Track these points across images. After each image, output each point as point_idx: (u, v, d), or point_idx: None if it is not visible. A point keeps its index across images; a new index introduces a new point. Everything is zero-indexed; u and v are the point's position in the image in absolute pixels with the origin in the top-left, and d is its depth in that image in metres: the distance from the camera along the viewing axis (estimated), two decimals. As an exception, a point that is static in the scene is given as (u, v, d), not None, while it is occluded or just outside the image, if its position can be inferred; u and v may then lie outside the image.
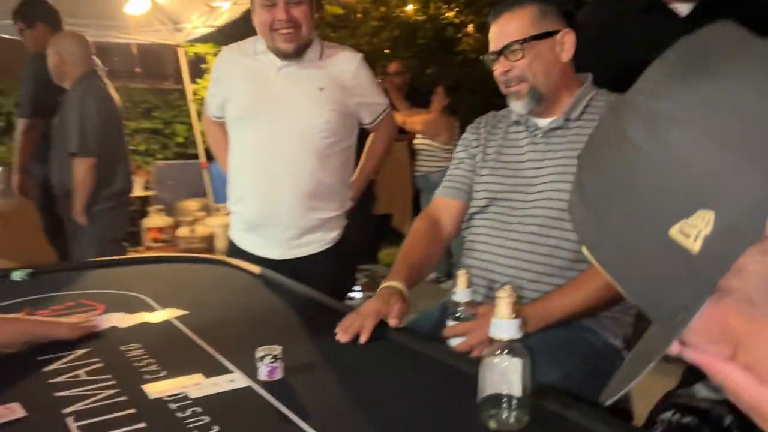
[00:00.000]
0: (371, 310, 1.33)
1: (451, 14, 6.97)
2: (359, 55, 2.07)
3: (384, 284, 1.44)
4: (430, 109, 4.77)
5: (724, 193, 0.47)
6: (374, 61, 6.65)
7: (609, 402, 0.61)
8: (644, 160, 0.50)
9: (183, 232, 5.69)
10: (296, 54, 1.95)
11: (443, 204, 1.68)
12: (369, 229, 4.57)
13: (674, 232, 0.49)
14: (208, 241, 5.63)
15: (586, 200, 0.57)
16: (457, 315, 1.34)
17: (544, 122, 1.55)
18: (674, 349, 0.55)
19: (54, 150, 3.17)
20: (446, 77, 6.23)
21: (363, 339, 1.27)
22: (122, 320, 1.42)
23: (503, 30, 1.49)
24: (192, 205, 6.16)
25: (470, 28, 6.83)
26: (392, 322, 1.33)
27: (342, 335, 1.29)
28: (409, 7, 6.94)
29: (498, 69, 1.51)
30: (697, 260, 0.49)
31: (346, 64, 2.02)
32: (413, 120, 4.73)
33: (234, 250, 2.09)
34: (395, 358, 1.22)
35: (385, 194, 4.57)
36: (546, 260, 1.47)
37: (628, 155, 0.52)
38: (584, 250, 0.60)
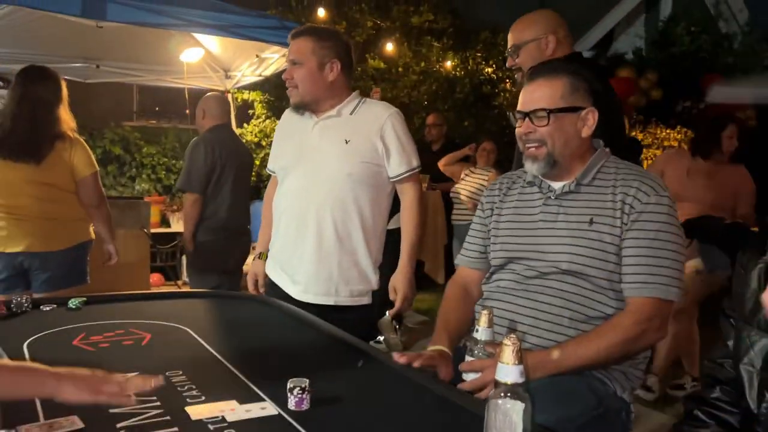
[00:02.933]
0: (428, 355, 1.51)
1: (489, 70, 7.18)
2: (393, 110, 2.16)
3: (430, 348, 1.58)
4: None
5: None
6: (413, 113, 6.89)
7: None
8: None
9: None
10: (303, 107, 2.16)
11: (467, 273, 1.84)
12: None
13: None
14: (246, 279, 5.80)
15: None
16: (475, 352, 1.44)
17: (557, 185, 1.66)
18: None
19: None
20: (482, 130, 6.39)
21: (417, 364, 1.45)
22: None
23: (534, 94, 1.61)
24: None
25: (507, 84, 7.01)
26: (441, 375, 1.48)
27: (400, 358, 1.46)
28: (449, 63, 7.18)
29: (522, 128, 1.64)
30: None
31: (375, 117, 2.13)
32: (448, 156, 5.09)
33: (268, 283, 2.26)
34: (414, 396, 1.32)
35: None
36: (564, 312, 1.57)
37: None
38: None
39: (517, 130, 1.66)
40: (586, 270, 1.55)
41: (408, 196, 2.23)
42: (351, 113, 2.15)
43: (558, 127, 1.59)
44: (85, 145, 2.96)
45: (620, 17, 9.65)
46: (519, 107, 1.65)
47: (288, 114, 2.30)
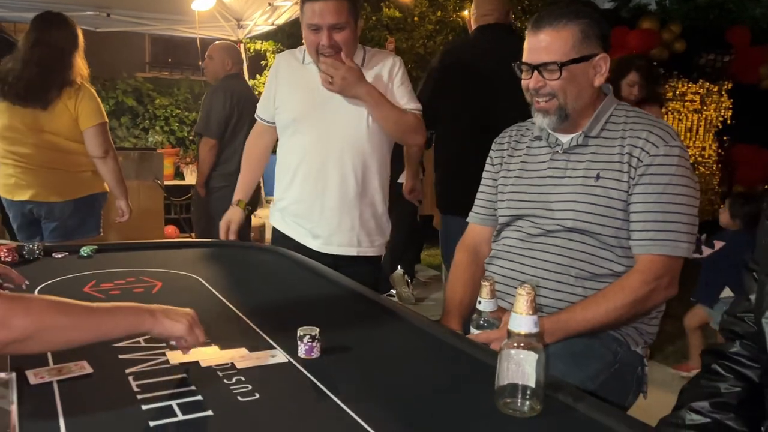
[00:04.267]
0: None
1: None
2: (396, 59, 2.16)
3: None
4: None
5: None
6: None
7: None
8: None
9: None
10: None
11: (477, 231, 1.80)
12: (412, 231, 4.66)
13: None
14: (258, 231, 5.82)
15: None
16: (481, 323, 1.41)
17: (565, 138, 1.60)
18: None
19: None
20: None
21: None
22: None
23: (543, 45, 1.49)
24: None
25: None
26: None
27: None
28: (466, 12, 6.98)
29: (531, 82, 1.53)
30: None
31: (383, 67, 2.11)
32: None
33: (279, 237, 2.21)
34: (425, 347, 1.31)
35: (428, 197, 4.65)
36: (569, 271, 1.53)
37: None
38: None
39: (523, 82, 1.56)
40: (592, 228, 1.51)
41: (413, 118, 2.13)
42: (362, 65, 2.10)
43: (570, 80, 1.49)
44: (94, 94, 2.92)
45: (645, -35, 9.33)
46: (526, 58, 1.53)
47: (286, 60, 2.19)
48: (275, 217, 2.24)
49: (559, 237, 1.55)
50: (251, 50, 6.36)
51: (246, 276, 1.87)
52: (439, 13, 6.95)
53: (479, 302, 1.40)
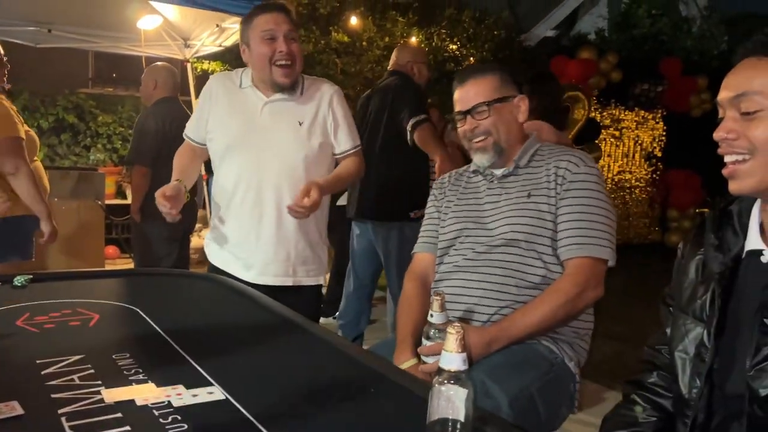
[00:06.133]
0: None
1: (453, 47, 7.16)
2: (334, 89, 2.19)
3: (402, 366, 1.61)
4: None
5: None
6: (376, 88, 6.80)
7: None
8: None
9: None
10: (292, 87, 2.09)
11: (424, 259, 1.93)
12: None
13: None
14: (202, 253, 5.74)
15: None
16: (431, 335, 1.52)
17: (499, 171, 1.81)
18: None
19: None
20: (446, 108, 6.39)
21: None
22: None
23: (469, 94, 1.77)
24: (189, 216, 6.26)
25: (471, 60, 7.01)
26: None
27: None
28: (413, 39, 7.13)
29: (465, 126, 1.78)
30: None
31: (322, 93, 2.14)
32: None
33: (213, 269, 2.21)
34: (359, 379, 1.34)
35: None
36: (509, 281, 1.68)
37: None
38: None
39: (459, 130, 1.80)
40: (527, 238, 1.69)
41: (351, 164, 2.22)
42: (301, 93, 2.12)
43: (498, 117, 1.76)
44: (6, 106, 2.77)
45: (585, -3, 9.74)
46: (458, 108, 1.80)
47: (221, 83, 2.17)
48: (210, 248, 2.23)
49: (499, 251, 1.71)
50: (198, 70, 6.30)
51: (186, 307, 1.86)
52: (386, 39, 7.06)
53: (431, 315, 1.53)
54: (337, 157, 2.23)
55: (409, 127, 3.19)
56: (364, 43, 6.96)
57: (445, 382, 1.04)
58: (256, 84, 2.12)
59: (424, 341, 1.57)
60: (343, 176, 2.21)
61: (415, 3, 7.54)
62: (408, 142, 3.25)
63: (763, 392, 0.98)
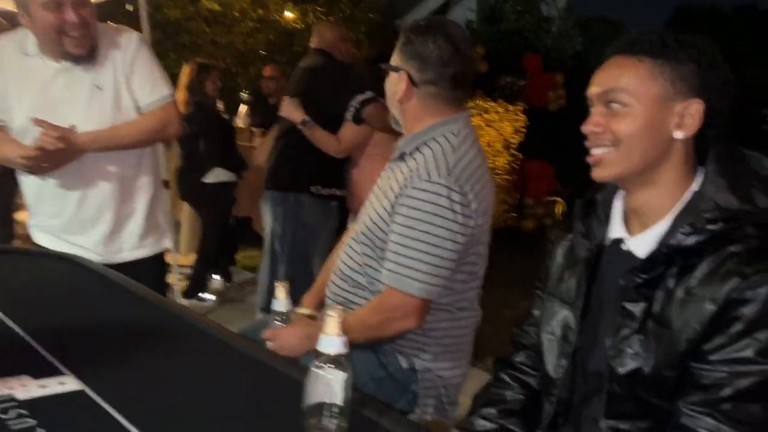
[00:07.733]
0: None
1: (329, 26, 7.08)
2: (135, 36, 1.97)
3: (298, 311, 1.70)
4: None
5: None
6: (249, 62, 6.61)
7: None
8: None
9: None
10: (88, 56, 1.87)
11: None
12: (226, 230, 4.53)
13: None
14: (24, 225, 5.32)
15: None
16: (275, 321, 1.55)
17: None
18: None
19: None
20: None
21: None
22: None
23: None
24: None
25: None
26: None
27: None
28: (288, 14, 6.97)
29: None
30: None
31: (122, 50, 1.92)
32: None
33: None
34: (231, 364, 1.28)
35: (246, 198, 4.55)
36: (359, 278, 1.66)
37: None
38: None
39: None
40: (373, 236, 1.62)
41: (150, 119, 1.95)
42: (97, 55, 1.89)
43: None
44: None
45: (456, -12, 10.03)
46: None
47: (6, 50, 1.89)
48: (37, 236, 2.02)
49: (359, 242, 1.66)
50: None
51: (32, 289, 1.67)
52: (260, 11, 6.84)
53: (273, 303, 1.55)
54: (143, 112, 1.96)
55: (357, 104, 3.03)
56: (237, 14, 6.70)
57: (324, 365, 1.02)
58: (44, 52, 1.86)
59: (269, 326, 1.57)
60: (123, 131, 1.90)
61: (291, -23, 7.37)
62: (350, 119, 3.06)
63: (621, 370, 1.05)
